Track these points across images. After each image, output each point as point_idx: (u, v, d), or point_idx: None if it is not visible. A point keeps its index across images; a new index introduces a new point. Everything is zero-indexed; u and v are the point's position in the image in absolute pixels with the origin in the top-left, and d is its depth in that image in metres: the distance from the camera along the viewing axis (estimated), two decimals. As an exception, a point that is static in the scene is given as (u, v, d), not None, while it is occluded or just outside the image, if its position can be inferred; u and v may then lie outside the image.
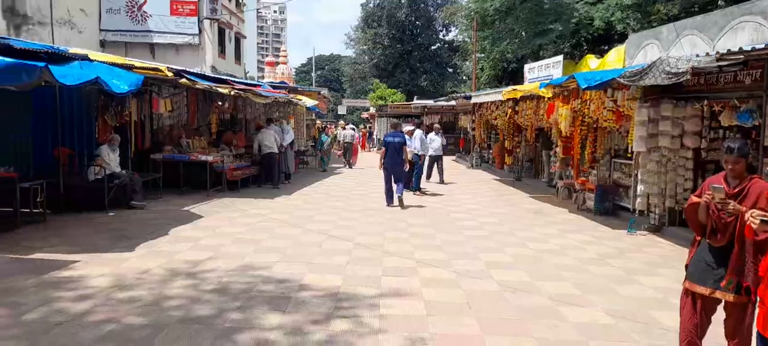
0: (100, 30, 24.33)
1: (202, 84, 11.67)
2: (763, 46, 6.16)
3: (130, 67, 9.30)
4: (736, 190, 3.60)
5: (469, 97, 20.18)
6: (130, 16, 24.66)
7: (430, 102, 30.92)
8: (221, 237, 7.94)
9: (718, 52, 6.80)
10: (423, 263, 6.72)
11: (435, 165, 15.81)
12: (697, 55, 7.30)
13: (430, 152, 15.46)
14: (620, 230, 9.04)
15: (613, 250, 7.72)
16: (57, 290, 5.35)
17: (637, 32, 14.76)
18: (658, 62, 7.50)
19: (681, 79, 7.22)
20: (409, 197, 12.67)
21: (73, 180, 9.82)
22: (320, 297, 5.35)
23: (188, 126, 13.80)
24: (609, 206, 10.40)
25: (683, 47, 10.77)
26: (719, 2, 18.70)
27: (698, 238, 3.85)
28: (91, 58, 8.52)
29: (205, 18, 25.04)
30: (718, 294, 3.65)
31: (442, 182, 15.42)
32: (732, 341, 3.71)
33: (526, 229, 9.09)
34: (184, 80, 11.05)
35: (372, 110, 38.53)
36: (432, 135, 15.90)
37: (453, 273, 6.31)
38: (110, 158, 10.08)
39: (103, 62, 8.60)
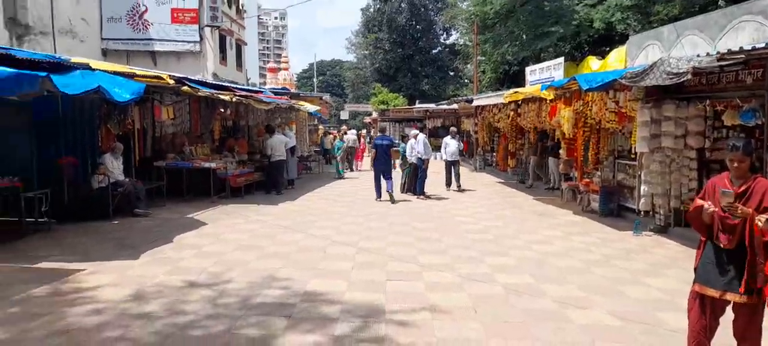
0: (102, 39, 24.38)
1: (204, 91, 11.70)
2: (763, 45, 6.14)
3: (131, 76, 9.32)
4: (741, 189, 3.59)
5: (471, 101, 20.10)
6: (131, 24, 24.72)
7: (432, 106, 30.86)
8: (225, 244, 7.95)
9: (718, 52, 6.79)
10: (427, 268, 6.70)
11: (452, 170, 14.73)
12: (698, 56, 7.27)
13: (446, 157, 14.71)
14: (626, 231, 9.01)
15: (618, 251, 7.69)
16: (62, 297, 5.37)
17: (638, 33, 14.74)
18: (659, 63, 7.49)
19: (682, 80, 7.20)
20: (413, 200, 12.76)
21: (77, 189, 9.84)
22: (324, 303, 5.35)
23: (191, 133, 13.83)
24: (614, 207, 10.37)
25: (684, 48, 10.76)
26: (720, 2, 18.69)
27: (704, 239, 3.83)
28: (93, 67, 8.53)
29: (206, 25, 25.04)
30: (728, 296, 3.62)
31: (459, 188, 14.65)
32: (742, 342, 3.69)
33: (531, 231, 9.07)
34: (185, 88, 11.08)
35: (374, 115, 38.54)
36: (447, 139, 14.86)
37: (458, 277, 6.30)
38: (113, 166, 10.12)
39: (105, 71, 8.60)
